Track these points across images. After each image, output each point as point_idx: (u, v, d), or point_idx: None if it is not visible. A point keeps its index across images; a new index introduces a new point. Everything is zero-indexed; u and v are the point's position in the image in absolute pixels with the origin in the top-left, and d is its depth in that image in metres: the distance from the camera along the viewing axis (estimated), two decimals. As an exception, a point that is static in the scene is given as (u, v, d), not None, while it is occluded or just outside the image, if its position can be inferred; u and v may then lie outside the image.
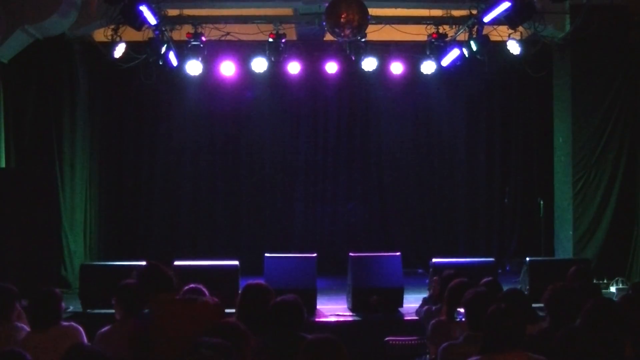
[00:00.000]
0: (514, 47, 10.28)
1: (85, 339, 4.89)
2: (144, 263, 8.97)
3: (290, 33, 11.24)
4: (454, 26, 10.86)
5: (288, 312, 4.35)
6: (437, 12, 10.82)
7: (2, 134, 9.99)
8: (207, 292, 4.92)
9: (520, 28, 10.01)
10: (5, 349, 3.55)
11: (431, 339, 5.27)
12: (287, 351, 4.08)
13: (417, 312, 6.86)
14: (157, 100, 12.65)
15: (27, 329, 5.00)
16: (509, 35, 10.28)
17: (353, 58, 11.11)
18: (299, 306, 4.41)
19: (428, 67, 11.44)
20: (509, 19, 9.18)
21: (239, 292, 4.89)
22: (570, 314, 4.27)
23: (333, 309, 8.85)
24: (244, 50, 11.28)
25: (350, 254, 9.26)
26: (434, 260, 9.29)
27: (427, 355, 5.52)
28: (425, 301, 6.82)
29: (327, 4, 8.76)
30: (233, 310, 4.67)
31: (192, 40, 10.61)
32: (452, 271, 6.18)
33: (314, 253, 9.27)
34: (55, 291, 5.00)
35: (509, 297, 4.78)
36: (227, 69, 11.49)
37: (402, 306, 8.74)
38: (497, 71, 11.78)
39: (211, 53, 11.11)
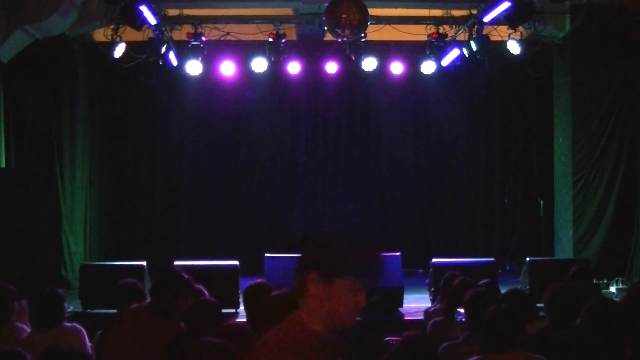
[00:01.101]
0: (514, 47, 10.28)
1: (87, 340, 4.89)
2: (144, 263, 9.06)
3: (290, 33, 11.24)
4: (454, 26, 10.87)
5: (283, 305, 4.34)
6: (437, 12, 10.82)
7: (2, 134, 9.99)
8: (206, 293, 4.93)
9: (520, 28, 10.00)
10: (6, 349, 3.55)
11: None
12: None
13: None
14: (157, 100, 12.65)
15: (27, 329, 4.99)
16: (509, 35, 10.28)
17: (353, 58, 11.12)
18: (294, 299, 4.40)
19: (428, 67, 11.44)
20: (509, 19, 9.18)
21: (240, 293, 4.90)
22: (570, 314, 4.27)
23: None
24: (244, 50, 11.28)
25: (350, 254, 9.23)
26: (434, 260, 9.29)
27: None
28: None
29: (327, 4, 8.76)
30: (233, 310, 4.67)
31: (192, 40, 10.62)
32: (456, 272, 6.15)
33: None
34: (59, 291, 5.00)
35: (509, 297, 4.78)
36: (227, 69, 11.49)
37: (402, 306, 8.74)
38: (497, 71, 11.79)
39: (211, 53, 11.11)
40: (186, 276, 4.56)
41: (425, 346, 3.51)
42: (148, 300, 5.12)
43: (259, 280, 5.13)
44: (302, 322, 2.27)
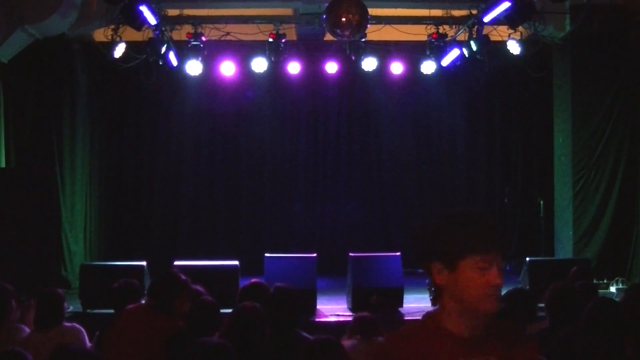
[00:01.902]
0: (514, 47, 10.28)
1: (87, 340, 4.90)
2: (144, 263, 9.06)
3: (290, 33, 11.24)
4: (454, 26, 10.87)
5: (284, 299, 4.35)
6: (437, 12, 10.83)
7: (2, 134, 9.99)
8: (205, 293, 4.93)
9: (520, 28, 10.01)
10: (7, 349, 3.55)
11: None
12: (285, 348, 4.08)
13: None
14: (157, 100, 12.65)
15: (27, 329, 4.99)
16: (509, 35, 10.28)
17: (353, 58, 11.12)
18: (294, 293, 4.42)
19: (428, 67, 11.44)
20: (509, 19, 9.18)
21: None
22: (570, 314, 4.27)
23: (333, 309, 8.85)
24: (244, 50, 11.28)
25: (350, 254, 9.27)
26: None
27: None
28: None
29: (327, 4, 8.76)
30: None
31: (192, 40, 10.62)
32: None
33: (314, 253, 9.27)
34: (58, 291, 5.01)
35: (512, 297, 4.78)
36: (227, 69, 11.49)
37: (402, 306, 8.74)
38: (497, 71, 11.77)
39: (211, 53, 11.11)
40: (184, 278, 4.56)
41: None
42: (144, 300, 5.12)
43: (254, 280, 5.13)
44: (438, 319, 2.13)
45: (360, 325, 5.14)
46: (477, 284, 2.04)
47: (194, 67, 10.91)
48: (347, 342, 5.08)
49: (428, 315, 2.17)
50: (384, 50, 11.53)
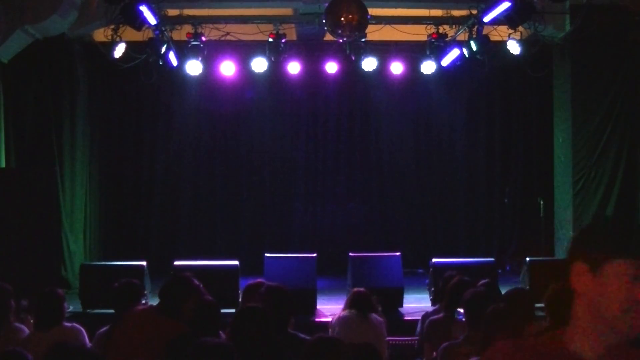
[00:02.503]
0: (514, 47, 10.29)
1: (87, 340, 4.90)
2: (144, 263, 9.06)
3: (290, 33, 11.24)
4: (454, 26, 10.87)
5: (276, 299, 4.36)
6: (437, 12, 10.83)
7: (2, 134, 9.99)
8: (205, 293, 4.92)
9: (520, 28, 10.01)
10: (7, 349, 3.55)
11: (427, 337, 5.25)
12: (279, 350, 4.08)
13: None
14: (157, 100, 12.66)
15: (26, 329, 4.99)
16: (509, 35, 10.29)
17: (353, 58, 11.13)
18: (285, 293, 4.44)
19: (428, 67, 11.44)
20: (509, 19, 9.18)
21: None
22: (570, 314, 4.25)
23: (333, 309, 8.83)
24: (244, 50, 11.29)
25: (350, 254, 9.27)
26: (434, 260, 9.29)
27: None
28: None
29: (327, 4, 8.76)
30: (233, 310, 4.67)
31: (192, 40, 10.63)
32: (453, 272, 6.16)
33: (314, 253, 9.27)
34: (58, 291, 5.01)
35: (512, 296, 4.78)
36: (227, 69, 11.50)
37: (402, 306, 8.74)
38: (497, 71, 11.78)
39: (211, 53, 11.12)
40: (197, 282, 4.55)
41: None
42: (144, 300, 5.13)
43: (259, 279, 5.13)
44: (560, 337, 1.80)
45: (356, 299, 5.21)
46: (622, 295, 1.70)
47: (194, 67, 10.91)
48: (342, 314, 5.14)
49: (548, 332, 1.88)
50: (384, 50, 11.53)
